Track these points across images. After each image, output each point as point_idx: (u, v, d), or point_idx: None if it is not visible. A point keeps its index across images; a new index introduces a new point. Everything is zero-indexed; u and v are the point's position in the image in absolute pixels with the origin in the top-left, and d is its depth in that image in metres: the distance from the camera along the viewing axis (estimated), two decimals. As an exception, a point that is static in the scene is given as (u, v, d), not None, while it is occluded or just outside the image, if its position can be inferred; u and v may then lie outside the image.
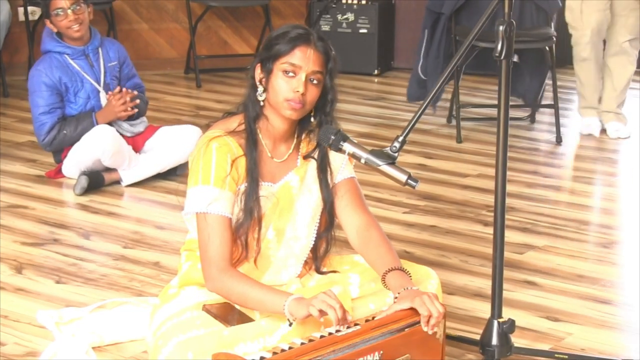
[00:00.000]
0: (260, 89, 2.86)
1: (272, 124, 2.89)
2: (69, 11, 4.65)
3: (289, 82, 2.80)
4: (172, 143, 4.75)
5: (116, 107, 4.71)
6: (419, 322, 2.67)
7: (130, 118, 4.81)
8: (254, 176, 2.85)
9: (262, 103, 2.87)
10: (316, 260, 3.00)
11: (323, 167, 2.95)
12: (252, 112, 2.88)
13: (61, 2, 4.65)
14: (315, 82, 2.82)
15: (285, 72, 2.81)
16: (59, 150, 4.78)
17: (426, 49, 5.80)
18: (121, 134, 4.78)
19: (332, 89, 2.88)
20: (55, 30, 4.73)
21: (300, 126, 2.94)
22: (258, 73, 2.87)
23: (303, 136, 2.96)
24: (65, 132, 4.69)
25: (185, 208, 2.86)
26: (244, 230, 2.85)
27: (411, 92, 5.98)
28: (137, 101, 4.77)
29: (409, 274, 2.83)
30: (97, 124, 4.69)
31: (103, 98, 4.77)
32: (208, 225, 2.79)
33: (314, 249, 2.99)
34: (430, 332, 2.68)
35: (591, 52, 5.60)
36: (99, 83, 4.78)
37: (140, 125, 4.88)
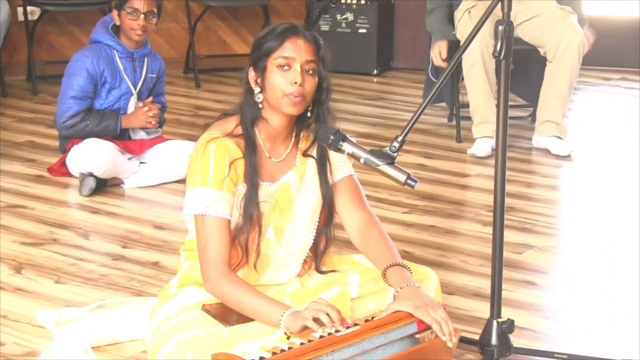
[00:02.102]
0: (257, 89, 2.85)
1: (271, 124, 2.88)
2: (142, 16, 4.64)
3: (285, 75, 2.80)
4: (178, 157, 4.73)
5: (143, 116, 4.74)
6: (429, 329, 2.68)
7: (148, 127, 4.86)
8: (253, 182, 2.85)
9: (260, 105, 2.86)
10: (316, 257, 3.00)
11: (322, 165, 2.95)
12: (250, 115, 2.87)
13: (139, 4, 4.64)
14: (310, 72, 2.81)
15: (280, 66, 2.80)
16: (68, 140, 4.77)
17: None
18: (131, 137, 4.82)
19: (326, 78, 2.87)
20: (118, 23, 4.71)
21: (297, 125, 2.94)
22: (252, 76, 2.86)
23: (301, 134, 2.96)
24: (88, 122, 4.68)
25: (184, 209, 2.86)
26: (243, 232, 2.84)
27: (427, 95, 5.93)
28: (157, 111, 4.80)
29: (409, 269, 2.83)
30: (121, 126, 4.71)
31: (132, 103, 4.79)
32: (206, 227, 2.79)
33: (314, 247, 2.99)
34: (450, 344, 2.67)
35: (479, 55, 5.19)
36: (135, 88, 4.79)
37: (154, 134, 4.92)
